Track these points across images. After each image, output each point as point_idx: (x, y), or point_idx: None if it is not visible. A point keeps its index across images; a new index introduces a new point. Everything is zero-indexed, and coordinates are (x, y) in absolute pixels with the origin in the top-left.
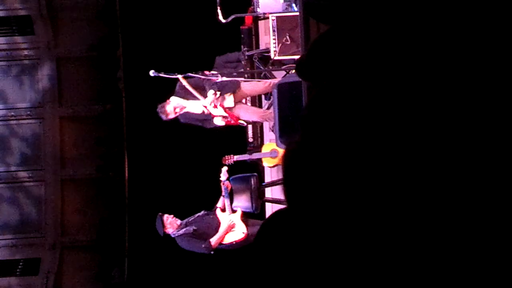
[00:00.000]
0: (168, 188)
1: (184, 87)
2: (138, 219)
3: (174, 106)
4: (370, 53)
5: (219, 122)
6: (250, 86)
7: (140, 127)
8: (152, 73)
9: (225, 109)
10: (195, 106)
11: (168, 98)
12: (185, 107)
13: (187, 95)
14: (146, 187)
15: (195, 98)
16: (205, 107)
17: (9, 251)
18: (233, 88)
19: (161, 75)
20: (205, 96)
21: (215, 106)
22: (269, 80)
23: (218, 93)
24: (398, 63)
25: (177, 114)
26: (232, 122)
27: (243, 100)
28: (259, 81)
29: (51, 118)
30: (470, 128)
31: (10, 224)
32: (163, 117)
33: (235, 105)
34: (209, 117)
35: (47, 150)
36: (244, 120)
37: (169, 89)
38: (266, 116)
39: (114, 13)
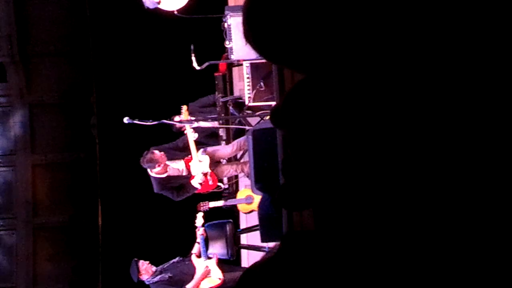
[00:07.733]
0: (143, 236)
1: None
2: (112, 267)
3: (162, 159)
4: (348, 103)
5: (196, 184)
6: (220, 152)
7: (114, 174)
8: (126, 120)
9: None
10: (177, 165)
11: (149, 148)
12: (168, 166)
13: (174, 156)
14: (120, 234)
15: (181, 158)
16: (187, 162)
17: None
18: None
19: (135, 122)
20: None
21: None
22: (234, 142)
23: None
24: (377, 112)
25: (160, 168)
26: (211, 183)
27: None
28: (224, 147)
29: (24, 165)
30: (470, 134)
31: None
32: (147, 163)
33: (211, 170)
34: (187, 180)
35: (19, 198)
36: (226, 177)
37: (143, 136)
38: (242, 167)
39: (88, 59)
